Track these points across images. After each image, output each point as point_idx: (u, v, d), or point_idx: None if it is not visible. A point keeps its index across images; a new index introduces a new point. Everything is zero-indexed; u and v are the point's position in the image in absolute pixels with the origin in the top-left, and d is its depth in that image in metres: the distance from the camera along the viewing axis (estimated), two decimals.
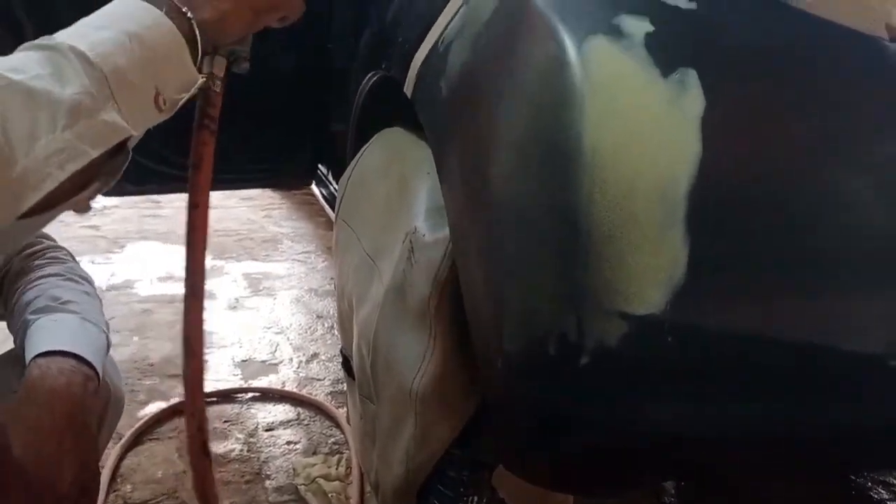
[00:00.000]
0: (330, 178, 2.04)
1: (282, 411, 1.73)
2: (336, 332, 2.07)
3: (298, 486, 1.44)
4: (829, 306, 0.59)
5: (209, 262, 2.55)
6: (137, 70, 0.55)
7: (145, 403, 1.70)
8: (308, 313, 2.25)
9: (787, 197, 0.59)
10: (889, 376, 0.61)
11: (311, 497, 1.40)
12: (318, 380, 1.87)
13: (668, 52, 0.60)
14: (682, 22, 0.61)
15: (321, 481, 1.43)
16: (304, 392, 1.80)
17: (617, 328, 0.62)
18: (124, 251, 2.66)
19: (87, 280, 1.00)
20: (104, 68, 0.52)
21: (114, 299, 2.22)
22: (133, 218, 2.93)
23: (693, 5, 0.61)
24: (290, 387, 1.82)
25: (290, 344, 2.05)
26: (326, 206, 2.14)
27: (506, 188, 0.67)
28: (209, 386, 1.81)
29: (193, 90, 0.62)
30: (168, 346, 1.97)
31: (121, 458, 1.49)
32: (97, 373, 0.81)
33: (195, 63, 0.61)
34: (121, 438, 1.51)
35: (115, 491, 1.40)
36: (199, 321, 0.72)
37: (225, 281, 2.46)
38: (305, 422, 1.69)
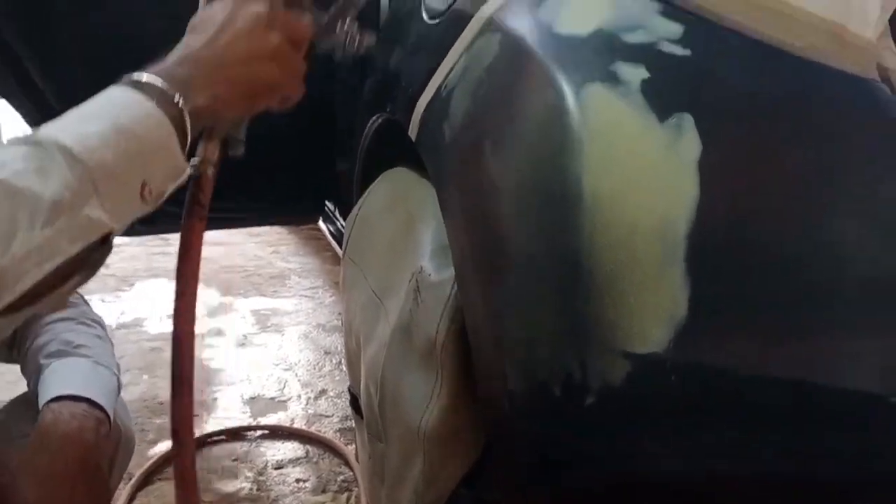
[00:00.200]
0: (337, 214, 2.06)
1: (291, 449, 1.74)
2: (344, 368, 2.08)
3: None
4: (827, 344, 0.60)
5: (218, 298, 2.58)
6: (124, 163, 0.54)
7: (155, 442, 1.71)
8: (316, 349, 2.26)
9: (782, 236, 0.60)
10: (891, 414, 0.61)
11: None
12: (327, 416, 1.87)
13: (663, 98, 0.62)
14: (676, 68, 0.63)
15: None
16: (312, 429, 1.80)
17: (621, 367, 0.63)
18: (133, 289, 2.68)
19: (99, 323, 1.02)
20: (89, 163, 0.52)
21: (123, 338, 2.23)
22: (141, 255, 2.96)
23: (688, 52, 0.63)
24: (299, 424, 1.83)
25: (299, 380, 2.06)
26: (333, 242, 2.16)
27: (507, 231, 0.69)
28: (218, 424, 1.81)
29: (181, 180, 0.61)
30: None
31: (131, 497, 1.49)
32: (109, 416, 0.82)
33: (185, 151, 0.60)
34: (131, 478, 1.52)
35: None
36: (190, 406, 0.70)
37: (233, 318, 2.47)
38: (314, 459, 1.69)
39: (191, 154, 0.61)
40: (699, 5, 0.64)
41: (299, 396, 1.97)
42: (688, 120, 0.61)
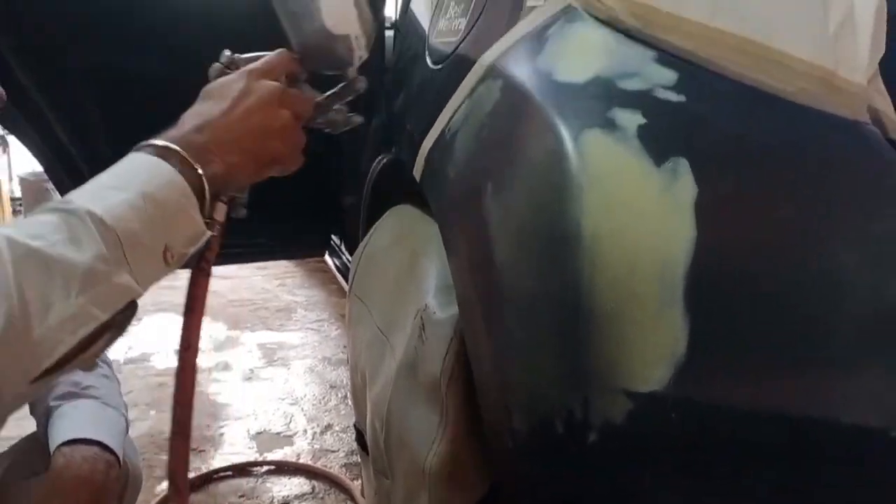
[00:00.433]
0: (343, 248, 2.08)
1: (297, 484, 1.74)
2: (349, 403, 2.08)
3: None
4: (824, 380, 0.61)
5: (225, 332, 2.59)
6: (150, 230, 0.57)
7: (162, 479, 1.71)
8: (322, 383, 2.26)
9: (777, 276, 0.61)
10: (891, 448, 0.62)
11: None
12: (333, 451, 1.87)
13: (659, 142, 0.64)
14: (671, 114, 0.65)
15: None
16: (318, 464, 1.80)
17: (622, 406, 0.64)
18: (141, 323, 2.70)
19: (107, 363, 1.03)
20: (119, 231, 0.54)
21: (131, 373, 2.25)
22: (149, 290, 2.97)
23: (682, 98, 0.65)
24: (305, 459, 1.83)
25: (305, 415, 2.06)
26: (339, 276, 2.18)
27: (509, 272, 0.70)
28: (224, 459, 1.82)
29: (201, 243, 0.63)
30: None
31: None
32: (118, 458, 0.83)
33: (203, 215, 0.62)
34: None
35: None
36: (186, 455, 0.71)
37: (240, 352, 2.48)
38: (320, 495, 1.69)
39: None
40: (693, 52, 0.66)
41: (305, 431, 1.97)
42: (683, 164, 0.63)
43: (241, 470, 1.78)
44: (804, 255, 0.62)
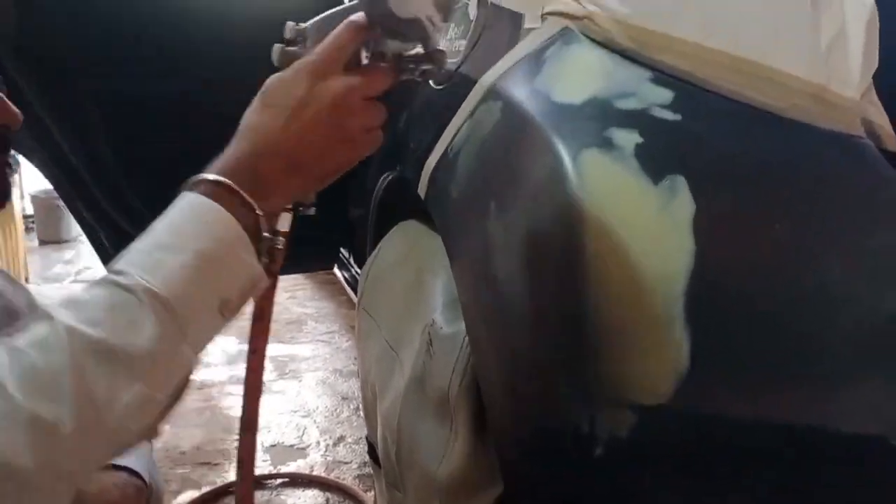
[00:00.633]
0: (351, 261, 2.10)
1: (311, 496, 1.75)
2: (361, 414, 2.10)
3: None
4: (823, 392, 0.62)
5: (236, 346, 2.61)
6: (207, 293, 0.55)
7: (178, 493, 1.73)
8: (334, 395, 2.28)
9: (774, 290, 0.62)
10: (891, 454, 0.63)
11: None
12: (346, 463, 1.89)
13: (656, 161, 0.65)
14: (668, 133, 0.66)
15: None
16: (332, 476, 1.81)
17: (628, 419, 0.65)
18: None
19: None
20: (178, 308, 0.52)
21: None
22: None
23: (678, 117, 0.66)
24: (319, 471, 1.84)
25: (317, 427, 2.08)
26: (348, 288, 2.19)
27: (513, 290, 0.72)
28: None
29: (259, 290, 0.60)
30: (199, 434, 2.01)
31: None
32: (146, 483, 0.86)
33: (259, 256, 0.59)
34: None
35: None
36: (254, 447, 0.79)
37: None
38: None
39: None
40: (688, 72, 0.67)
41: (318, 443, 1.99)
42: (680, 181, 0.64)
43: (256, 483, 1.80)
44: (800, 271, 0.63)
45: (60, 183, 1.69)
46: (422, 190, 0.96)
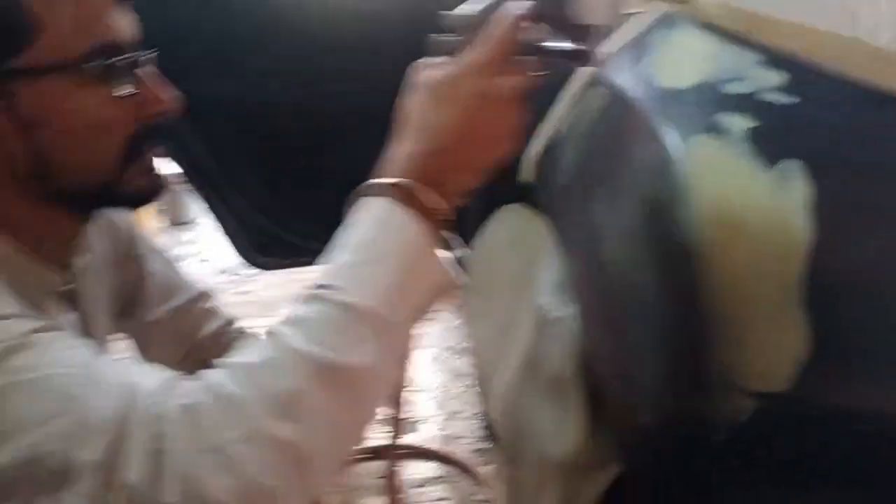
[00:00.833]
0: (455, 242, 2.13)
1: (429, 468, 1.81)
2: (474, 390, 2.14)
3: None
4: None
5: None
6: (409, 304, 0.55)
7: None
8: (446, 371, 2.34)
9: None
10: None
11: None
12: (461, 437, 1.94)
13: (770, 145, 0.64)
14: (780, 116, 0.65)
15: None
16: (448, 449, 1.87)
17: (748, 405, 0.65)
18: (278, 316, 2.84)
19: None
20: (392, 322, 0.53)
21: None
22: (281, 283, 3.11)
23: (790, 99, 0.65)
24: (435, 445, 1.90)
25: (434, 401, 2.14)
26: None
27: (622, 278, 0.73)
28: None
29: (446, 292, 0.59)
30: None
31: None
32: None
33: None
34: None
35: None
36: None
37: None
38: (453, 479, 1.76)
39: None
40: (797, 54, 0.65)
41: (433, 418, 2.05)
42: (796, 165, 0.63)
43: (376, 453, 1.88)
44: None
45: (192, 176, 1.73)
46: (526, 175, 0.98)
